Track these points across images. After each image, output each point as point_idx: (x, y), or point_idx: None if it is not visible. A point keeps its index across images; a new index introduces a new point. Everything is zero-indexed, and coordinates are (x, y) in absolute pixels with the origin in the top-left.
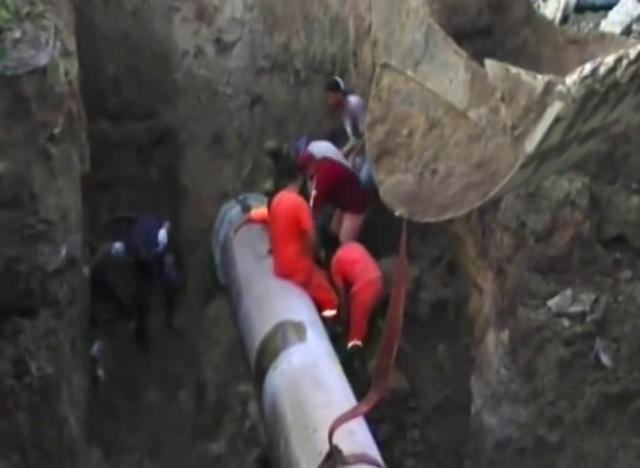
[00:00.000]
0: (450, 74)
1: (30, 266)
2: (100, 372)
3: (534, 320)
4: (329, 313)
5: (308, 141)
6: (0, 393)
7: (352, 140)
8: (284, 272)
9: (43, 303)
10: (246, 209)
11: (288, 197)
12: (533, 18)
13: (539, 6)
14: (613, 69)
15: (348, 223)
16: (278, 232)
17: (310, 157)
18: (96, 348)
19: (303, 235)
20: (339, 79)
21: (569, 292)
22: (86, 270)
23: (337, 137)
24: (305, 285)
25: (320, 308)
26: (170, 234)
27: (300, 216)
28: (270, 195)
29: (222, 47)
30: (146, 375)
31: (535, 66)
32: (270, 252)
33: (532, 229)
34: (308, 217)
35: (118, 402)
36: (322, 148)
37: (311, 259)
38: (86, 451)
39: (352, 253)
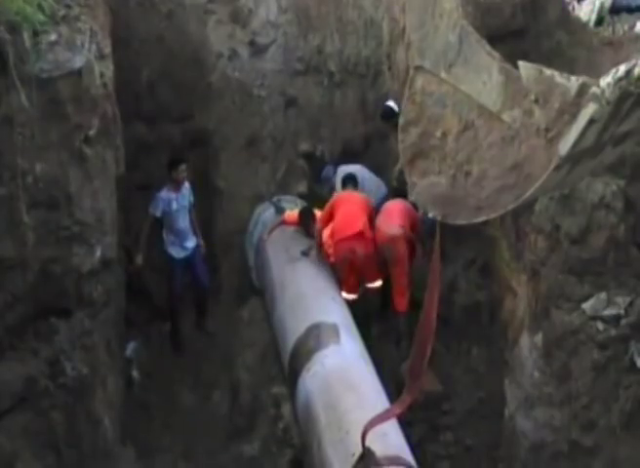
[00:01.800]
0: (483, 76)
1: (65, 267)
2: (135, 373)
3: (568, 323)
4: (375, 284)
5: (335, 167)
6: (35, 393)
7: None
8: (366, 230)
9: (78, 304)
10: (280, 211)
11: (360, 194)
12: (567, 19)
13: (573, 8)
14: None
15: None
16: (354, 204)
17: None
18: (130, 349)
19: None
20: (392, 104)
21: (603, 294)
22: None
23: (372, 141)
24: (373, 254)
25: (366, 280)
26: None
27: (372, 210)
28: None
29: (257, 49)
30: (181, 376)
31: (569, 68)
32: (305, 253)
33: (566, 232)
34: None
35: (152, 402)
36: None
37: None
38: (120, 452)
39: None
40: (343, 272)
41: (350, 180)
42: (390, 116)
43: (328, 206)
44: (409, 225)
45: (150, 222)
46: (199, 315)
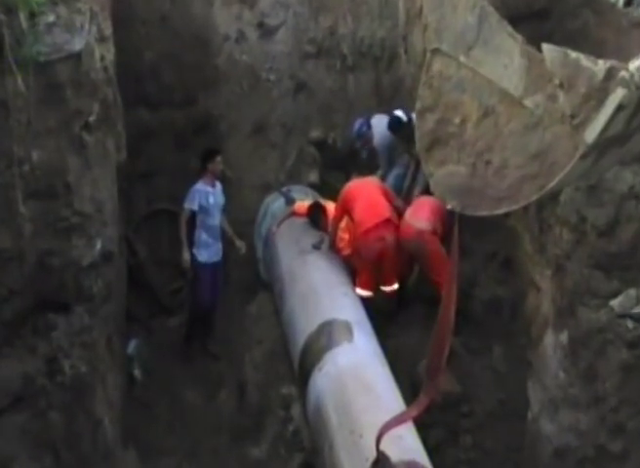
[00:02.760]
0: (504, 59)
1: (64, 260)
2: (137, 371)
3: (595, 320)
4: (391, 288)
5: (367, 122)
6: (32, 392)
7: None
8: (392, 216)
9: (77, 299)
10: (290, 201)
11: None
12: None
13: None
14: None
15: None
16: (375, 192)
17: None
18: (132, 346)
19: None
20: (401, 114)
21: (633, 291)
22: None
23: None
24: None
25: (383, 281)
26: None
27: (390, 194)
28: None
29: (265, 31)
30: (185, 375)
31: (596, 51)
32: (316, 245)
33: (593, 224)
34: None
35: (155, 402)
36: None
37: None
38: (121, 454)
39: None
40: (365, 265)
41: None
42: (399, 127)
43: (341, 197)
44: (440, 221)
45: (187, 219)
46: (204, 333)
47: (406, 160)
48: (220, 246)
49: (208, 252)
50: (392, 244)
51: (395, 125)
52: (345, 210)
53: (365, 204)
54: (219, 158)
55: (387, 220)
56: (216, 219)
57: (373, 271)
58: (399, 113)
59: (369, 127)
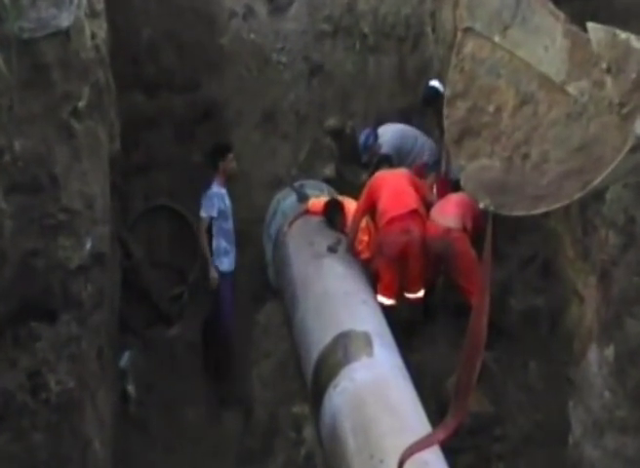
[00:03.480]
0: (545, 41)
1: (50, 262)
2: (131, 387)
3: None
4: (416, 295)
5: (374, 132)
6: (13, 411)
7: None
8: (418, 206)
9: (64, 306)
10: (303, 198)
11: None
12: None
13: None
14: None
15: None
16: (401, 181)
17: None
18: (126, 359)
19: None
20: (436, 84)
21: None
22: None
23: (411, 116)
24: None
25: (407, 286)
26: None
27: (422, 188)
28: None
29: (276, 7)
30: (185, 391)
31: None
32: (332, 248)
33: None
34: (427, 188)
35: (151, 421)
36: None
37: None
38: None
39: None
40: (387, 265)
41: (383, 163)
42: (434, 99)
43: (367, 188)
44: (470, 219)
45: (207, 227)
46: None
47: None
48: (235, 251)
49: (229, 259)
50: (418, 239)
51: (431, 96)
52: (371, 201)
53: (391, 193)
54: (231, 155)
55: (414, 211)
56: (230, 223)
57: (396, 273)
58: (435, 83)
59: (376, 138)
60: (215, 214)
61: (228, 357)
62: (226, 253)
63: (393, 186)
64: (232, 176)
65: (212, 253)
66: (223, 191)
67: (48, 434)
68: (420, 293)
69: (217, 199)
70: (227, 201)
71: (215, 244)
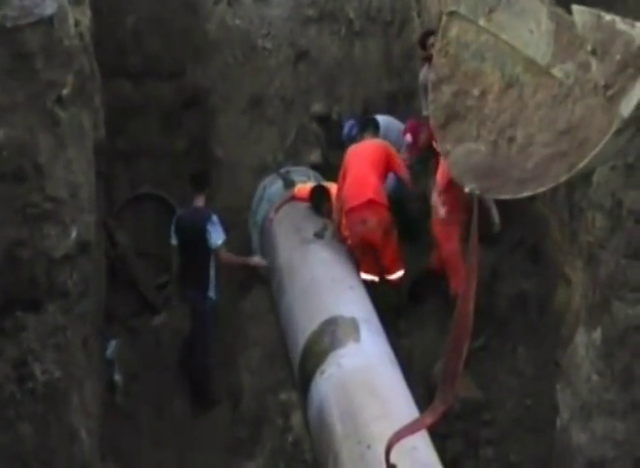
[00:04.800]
0: (530, 23)
1: (35, 251)
2: (118, 377)
3: (632, 316)
4: (395, 275)
5: (357, 123)
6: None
7: None
8: (376, 196)
9: (49, 295)
10: (289, 184)
11: (377, 141)
12: None
13: None
14: None
15: None
16: (364, 162)
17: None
18: (112, 348)
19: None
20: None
21: None
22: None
23: (397, 100)
24: (388, 224)
25: (385, 269)
26: None
27: (392, 160)
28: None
29: None
30: (172, 381)
31: (633, 13)
32: (319, 234)
33: (630, 208)
34: (401, 165)
35: (139, 411)
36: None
37: None
38: None
39: None
40: (358, 250)
41: (369, 126)
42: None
43: (342, 170)
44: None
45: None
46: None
47: None
48: None
49: (217, 288)
50: (376, 227)
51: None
52: (343, 183)
53: (352, 179)
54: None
55: (370, 201)
56: None
57: (369, 255)
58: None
59: (359, 129)
60: (225, 237)
61: (207, 383)
62: (217, 282)
63: (356, 170)
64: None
65: (209, 284)
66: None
67: (34, 424)
68: (399, 273)
69: (220, 224)
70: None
71: (211, 274)
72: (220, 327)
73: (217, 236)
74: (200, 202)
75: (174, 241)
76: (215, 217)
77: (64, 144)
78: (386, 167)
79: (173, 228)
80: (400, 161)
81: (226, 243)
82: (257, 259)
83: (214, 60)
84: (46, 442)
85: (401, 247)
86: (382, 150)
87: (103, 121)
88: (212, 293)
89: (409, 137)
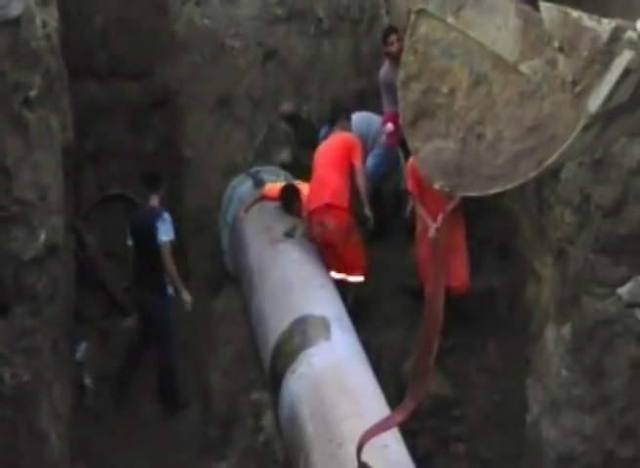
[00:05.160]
0: (498, 20)
1: (3, 254)
2: (87, 380)
3: (601, 312)
4: (355, 279)
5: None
6: None
7: None
8: (334, 199)
9: (18, 298)
10: (259, 184)
11: (343, 135)
12: None
13: None
14: None
15: None
16: (327, 161)
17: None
18: (81, 350)
19: (351, 173)
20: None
21: None
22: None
23: (367, 99)
24: (349, 227)
25: (347, 270)
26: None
27: (353, 151)
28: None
29: None
30: (142, 382)
31: (600, 9)
32: (289, 233)
33: (598, 204)
34: (360, 156)
35: (109, 413)
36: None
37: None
38: None
39: None
40: (323, 251)
41: (340, 118)
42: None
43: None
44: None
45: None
46: (169, 385)
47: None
48: None
49: (170, 286)
50: (335, 230)
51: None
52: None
53: (314, 179)
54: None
55: (327, 205)
56: None
57: (330, 254)
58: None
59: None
60: (173, 237)
61: (174, 384)
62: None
63: (319, 171)
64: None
65: (165, 284)
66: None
67: (3, 428)
68: (359, 278)
69: (170, 223)
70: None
71: (165, 274)
72: (191, 326)
73: (163, 233)
74: (154, 201)
75: (129, 241)
76: (166, 215)
77: (32, 146)
78: (349, 161)
79: (128, 229)
80: (359, 153)
81: (172, 243)
82: (186, 295)
83: (182, 60)
84: (15, 445)
85: (365, 247)
86: (344, 144)
87: (71, 122)
88: (170, 291)
89: (390, 126)
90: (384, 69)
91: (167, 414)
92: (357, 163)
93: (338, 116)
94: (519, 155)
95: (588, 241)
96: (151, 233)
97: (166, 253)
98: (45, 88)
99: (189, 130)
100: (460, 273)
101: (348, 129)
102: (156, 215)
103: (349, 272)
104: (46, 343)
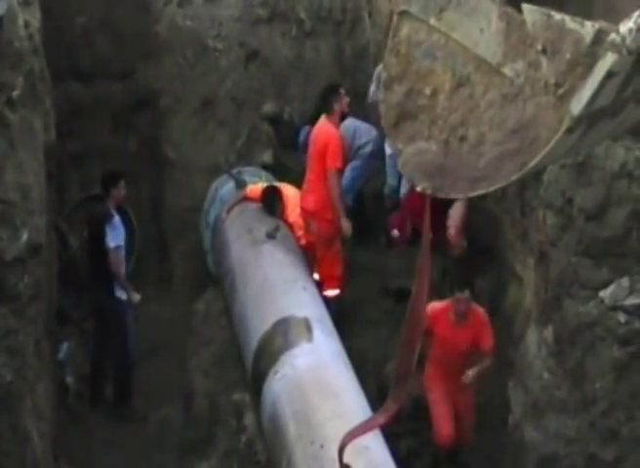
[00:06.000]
0: (481, 22)
1: None
2: (69, 379)
3: (583, 314)
4: (331, 292)
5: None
6: None
7: None
8: (317, 209)
9: (0, 298)
10: (240, 185)
11: (325, 127)
12: None
13: None
14: None
15: None
16: (312, 158)
17: None
18: (64, 350)
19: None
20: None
21: (625, 280)
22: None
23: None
24: (329, 237)
25: (322, 283)
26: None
27: (327, 151)
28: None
29: None
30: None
31: (583, 12)
32: (271, 234)
33: (581, 206)
34: (337, 154)
35: (90, 413)
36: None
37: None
38: None
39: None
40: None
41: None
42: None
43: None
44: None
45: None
46: (123, 387)
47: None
48: None
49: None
50: (317, 235)
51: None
52: None
53: (306, 177)
54: (122, 182)
55: (313, 214)
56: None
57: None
58: None
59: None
60: (122, 242)
61: (127, 389)
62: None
63: (309, 167)
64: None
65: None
66: (119, 218)
67: None
68: (332, 292)
69: (120, 228)
70: (125, 229)
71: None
72: (173, 328)
73: (111, 239)
74: (110, 202)
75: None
76: (116, 220)
77: (15, 146)
78: (325, 163)
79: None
80: (334, 153)
81: (119, 246)
82: (134, 296)
83: (164, 61)
84: None
85: (345, 256)
86: (322, 143)
87: (54, 123)
88: (121, 294)
89: (396, 233)
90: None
91: (117, 421)
92: (330, 167)
93: (319, 116)
94: (502, 157)
95: (571, 244)
96: (100, 234)
97: (112, 258)
98: (28, 88)
99: (172, 130)
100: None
101: (335, 115)
102: (106, 219)
103: (324, 286)
104: (29, 343)
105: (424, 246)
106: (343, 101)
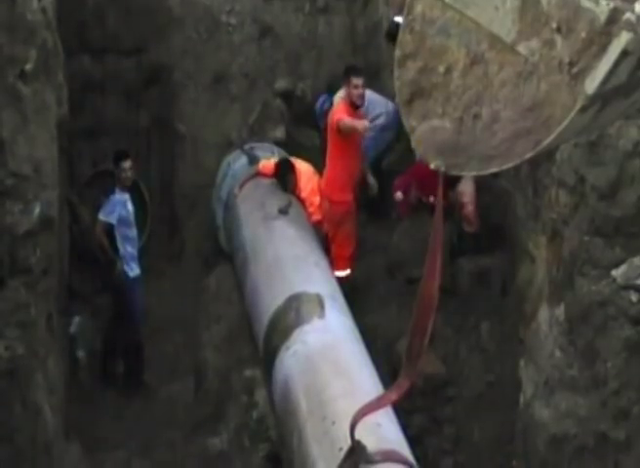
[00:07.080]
0: (495, 0)
1: None
2: (81, 353)
3: (595, 293)
4: (340, 273)
5: (330, 98)
6: None
7: None
8: (326, 190)
9: (12, 272)
10: (253, 160)
11: (336, 108)
12: None
13: None
14: None
15: None
16: (329, 139)
17: None
18: (75, 324)
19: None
20: (400, 20)
21: (637, 260)
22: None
23: None
24: (337, 220)
25: (332, 264)
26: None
27: (334, 114)
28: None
29: None
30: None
31: None
32: (283, 210)
33: (593, 185)
34: (341, 111)
35: (102, 388)
36: None
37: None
38: (64, 447)
39: None
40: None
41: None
42: (397, 35)
43: None
44: None
45: (106, 231)
46: (134, 363)
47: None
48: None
49: (131, 265)
50: (329, 214)
51: (393, 32)
52: None
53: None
54: (127, 163)
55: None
56: (134, 231)
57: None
58: (399, 19)
59: (331, 104)
60: (114, 221)
61: (139, 364)
62: (133, 258)
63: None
64: (129, 183)
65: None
66: (126, 197)
67: None
68: (340, 273)
69: (119, 206)
70: (130, 207)
71: (121, 250)
72: (184, 304)
73: (102, 212)
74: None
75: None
76: (113, 197)
77: (27, 120)
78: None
79: None
80: (341, 112)
81: (105, 222)
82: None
83: (176, 37)
84: (9, 419)
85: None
86: (331, 124)
87: (66, 97)
88: (128, 268)
89: (399, 195)
90: None
91: (129, 396)
92: (336, 118)
93: (336, 87)
94: (515, 135)
95: (583, 222)
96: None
97: (97, 229)
98: (40, 62)
99: (184, 106)
100: None
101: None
102: (108, 195)
103: (334, 266)
104: (40, 317)
105: (436, 222)
106: (354, 92)
